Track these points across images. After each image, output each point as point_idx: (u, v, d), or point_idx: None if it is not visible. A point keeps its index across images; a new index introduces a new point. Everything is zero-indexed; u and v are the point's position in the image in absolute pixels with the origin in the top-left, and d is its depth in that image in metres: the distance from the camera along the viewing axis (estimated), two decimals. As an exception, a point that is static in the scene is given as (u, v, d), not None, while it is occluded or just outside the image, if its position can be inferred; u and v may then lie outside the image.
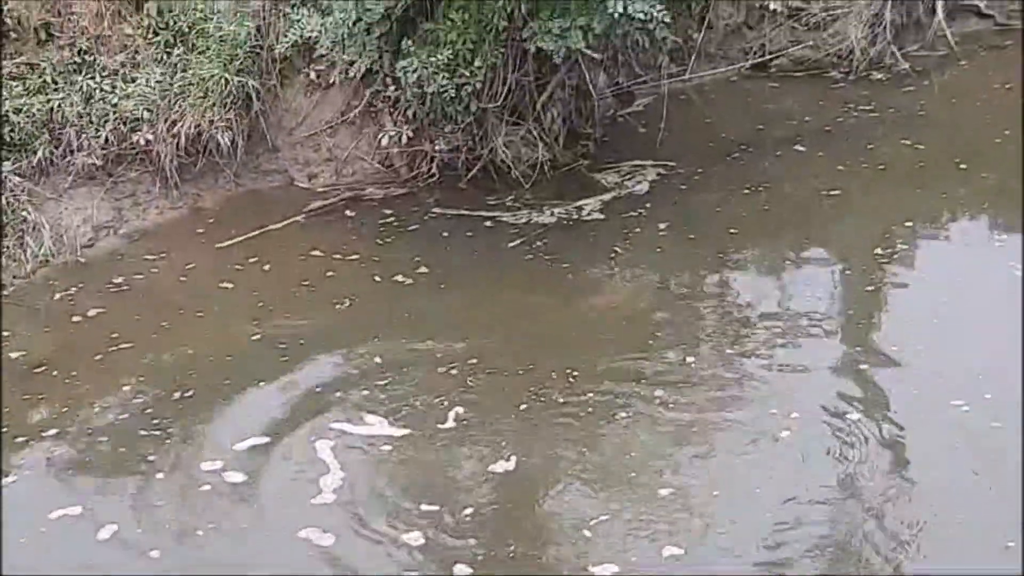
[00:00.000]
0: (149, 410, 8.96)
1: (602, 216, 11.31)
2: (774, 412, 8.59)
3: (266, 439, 8.61)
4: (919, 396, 8.63)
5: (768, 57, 13.94)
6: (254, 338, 9.72)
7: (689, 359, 9.21)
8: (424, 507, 7.93)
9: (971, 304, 9.60)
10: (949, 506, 7.63)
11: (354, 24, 11.17)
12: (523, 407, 8.76)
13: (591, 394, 8.85)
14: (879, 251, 10.43)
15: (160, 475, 8.33)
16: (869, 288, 9.99)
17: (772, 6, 13.88)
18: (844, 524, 7.62)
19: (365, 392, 9.05)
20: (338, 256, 10.83)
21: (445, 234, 11.15)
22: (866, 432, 8.33)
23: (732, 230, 10.92)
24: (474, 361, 9.27)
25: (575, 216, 11.33)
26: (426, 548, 7.62)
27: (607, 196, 11.62)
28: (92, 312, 10.22)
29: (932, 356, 9.02)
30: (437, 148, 11.80)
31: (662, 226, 11.07)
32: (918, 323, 9.45)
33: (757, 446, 8.31)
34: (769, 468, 8.10)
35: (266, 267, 10.71)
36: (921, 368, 8.93)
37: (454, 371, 9.19)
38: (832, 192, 11.41)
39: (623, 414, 8.65)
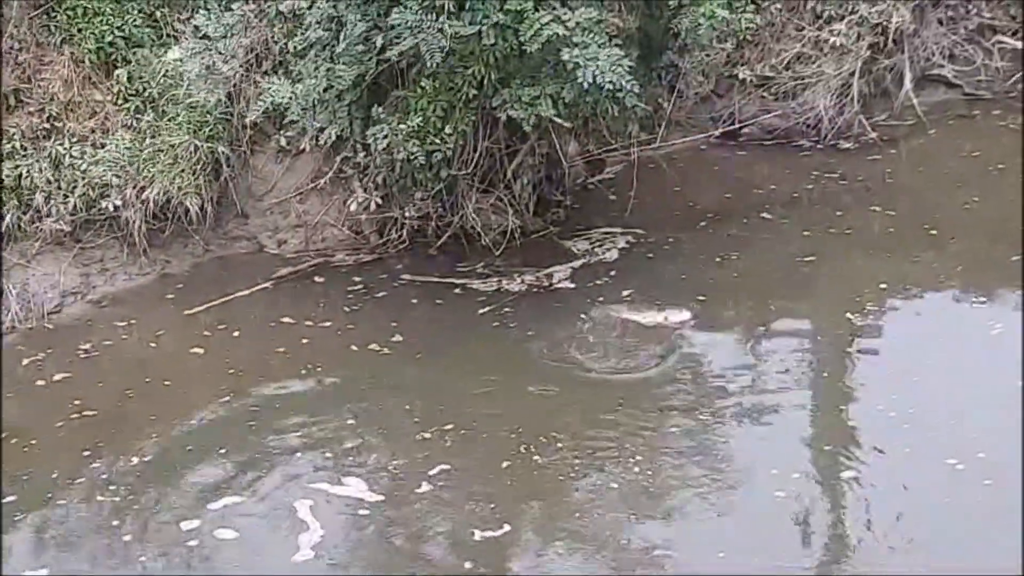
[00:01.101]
0: (104, 475, 9.13)
1: (572, 284, 11.49)
2: (759, 475, 8.89)
3: (239, 499, 8.81)
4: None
5: (738, 126, 14.19)
6: (223, 403, 9.87)
7: (661, 425, 9.45)
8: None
9: (954, 364, 9.96)
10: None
11: (324, 91, 11.35)
12: (504, 468, 9.03)
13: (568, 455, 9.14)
14: (851, 316, 10.67)
15: (127, 538, 8.50)
16: (845, 352, 10.25)
17: (741, 75, 14.14)
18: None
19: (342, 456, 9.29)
20: (309, 323, 11.00)
21: (415, 301, 11.32)
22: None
23: (700, 297, 11.12)
24: (450, 427, 9.50)
25: (545, 283, 11.52)
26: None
27: (577, 263, 11.81)
28: (58, 377, 10.35)
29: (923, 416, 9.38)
30: (407, 215, 11.95)
31: (628, 293, 11.26)
32: (897, 387, 9.74)
33: (739, 509, 8.61)
34: (758, 530, 8.37)
35: (235, 334, 10.86)
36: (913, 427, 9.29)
37: (429, 435, 9.40)
38: (802, 259, 11.65)
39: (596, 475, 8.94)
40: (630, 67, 10.51)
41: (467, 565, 8.22)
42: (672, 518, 8.63)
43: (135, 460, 9.31)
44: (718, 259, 11.76)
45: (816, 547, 8.35)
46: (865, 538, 8.34)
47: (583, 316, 10.99)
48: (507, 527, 8.49)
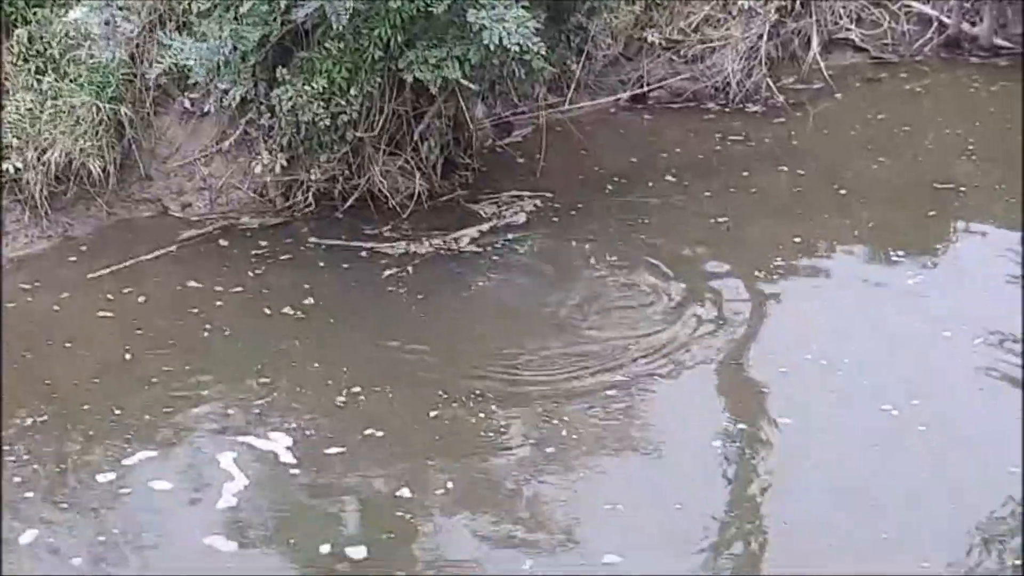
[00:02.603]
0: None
1: (479, 246, 11.77)
2: (682, 430, 9.28)
3: (153, 453, 9.06)
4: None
5: (646, 89, 14.49)
6: (130, 364, 10.05)
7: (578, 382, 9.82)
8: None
9: (877, 314, 10.52)
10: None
11: (229, 52, 11.50)
12: (419, 427, 9.34)
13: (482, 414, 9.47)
14: (769, 271, 11.16)
15: (29, 495, 8.68)
16: (766, 305, 10.74)
17: (650, 38, 14.43)
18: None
19: (259, 413, 9.53)
20: (218, 287, 11.14)
21: (322, 264, 11.50)
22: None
23: (612, 258, 11.45)
24: (366, 388, 9.76)
25: (453, 247, 11.75)
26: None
27: (485, 226, 12.06)
28: (-44, 341, 10.47)
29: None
30: (313, 177, 12.11)
31: (540, 255, 11.58)
32: (824, 337, 10.23)
33: (666, 460, 8.99)
34: (687, 482, 8.75)
35: (141, 298, 10.99)
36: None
37: (344, 396, 9.67)
38: (714, 219, 12.03)
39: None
40: (537, 29, 10.76)
41: (384, 523, 8.51)
42: (585, 470, 8.95)
43: (34, 420, 9.40)
44: (630, 222, 12.07)
45: (750, 494, 8.74)
46: (807, 484, 8.72)
47: (490, 277, 11.29)
48: (418, 485, 8.74)
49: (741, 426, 9.32)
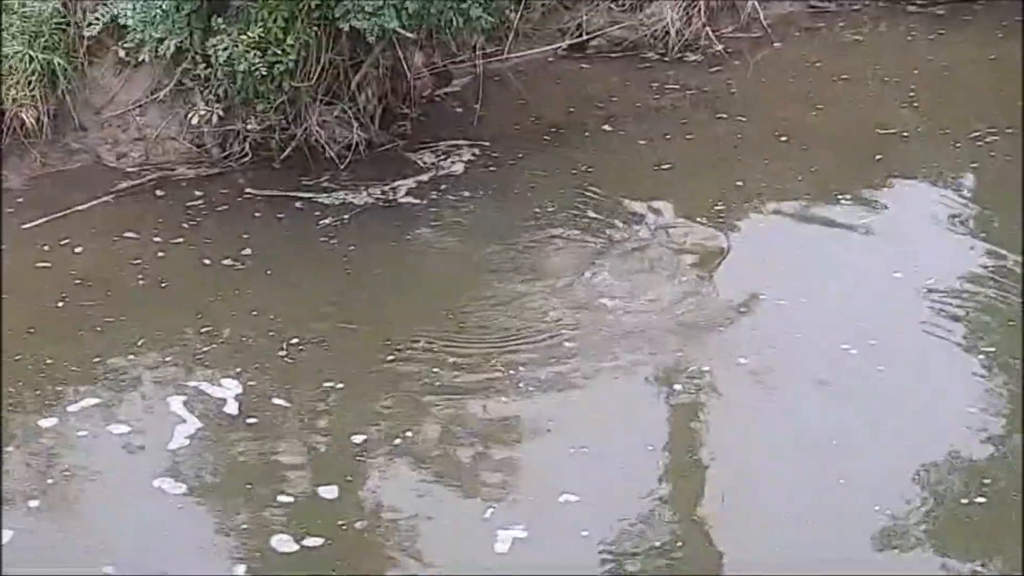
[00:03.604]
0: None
1: (418, 196, 11.93)
2: (632, 370, 9.61)
3: (98, 400, 9.26)
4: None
5: (585, 38, 14.63)
6: (67, 312, 10.21)
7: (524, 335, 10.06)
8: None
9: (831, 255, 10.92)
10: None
11: (166, 3, 11.59)
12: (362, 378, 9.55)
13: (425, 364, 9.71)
14: (717, 217, 11.43)
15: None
16: (719, 250, 11.02)
17: (589, -14, 14.61)
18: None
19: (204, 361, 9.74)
20: (157, 238, 11.26)
21: (258, 215, 11.64)
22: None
23: (550, 208, 11.67)
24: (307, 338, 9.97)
25: (391, 197, 11.92)
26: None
27: (424, 176, 12.22)
28: None
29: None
30: (249, 128, 12.23)
31: (477, 204, 11.78)
32: (780, 279, 10.56)
33: (623, 404, 9.30)
34: (646, 423, 9.08)
35: (78, 249, 11.10)
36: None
37: (285, 349, 9.88)
38: (657, 167, 12.26)
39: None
40: (475, -23, 10.94)
41: (341, 469, 8.76)
42: (538, 411, 9.26)
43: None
44: (569, 171, 12.25)
45: (709, 437, 9.05)
46: (767, 426, 9.04)
47: (429, 226, 11.49)
48: (364, 436, 8.97)
49: (700, 367, 9.58)
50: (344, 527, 8.22)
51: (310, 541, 8.09)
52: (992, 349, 9.57)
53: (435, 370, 9.61)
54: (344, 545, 8.12)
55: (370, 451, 8.83)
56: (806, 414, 9.05)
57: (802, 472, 8.52)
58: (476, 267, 10.93)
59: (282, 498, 8.43)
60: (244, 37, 11.40)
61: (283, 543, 8.09)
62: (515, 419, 9.14)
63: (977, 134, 12.48)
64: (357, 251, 11.11)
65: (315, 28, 11.61)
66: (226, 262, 10.94)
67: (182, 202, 11.84)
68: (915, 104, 13.30)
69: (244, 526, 8.29)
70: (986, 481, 8.36)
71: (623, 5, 14.66)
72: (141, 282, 10.68)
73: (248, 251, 11.09)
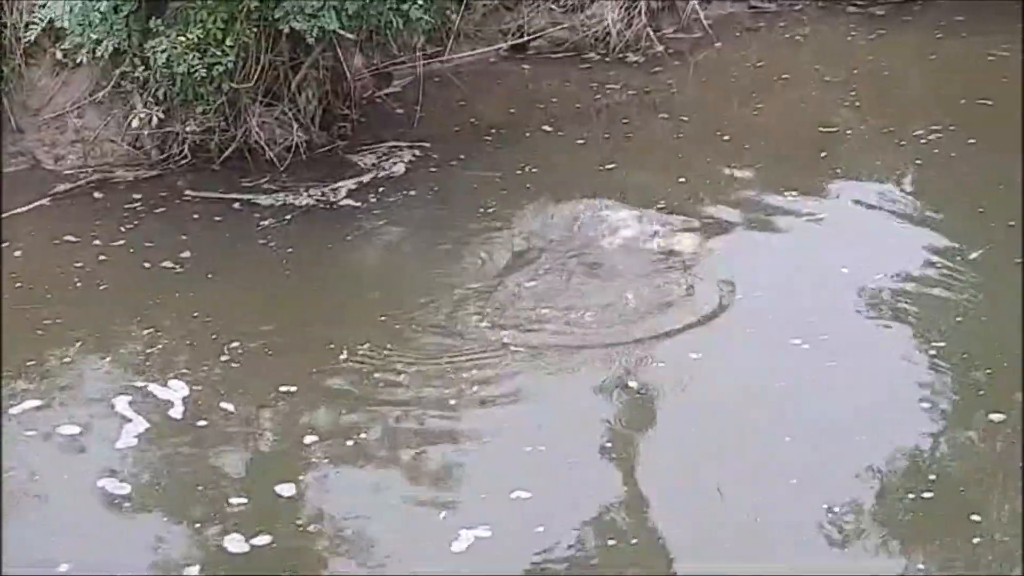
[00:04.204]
0: None
1: (358, 197, 11.98)
2: (580, 371, 9.66)
3: (41, 401, 9.25)
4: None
5: (526, 39, 14.75)
6: (10, 317, 10.14)
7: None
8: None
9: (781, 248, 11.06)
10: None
11: (103, 6, 11.59)
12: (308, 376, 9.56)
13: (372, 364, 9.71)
14: (664, 212, 11.45)
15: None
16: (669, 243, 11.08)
17: (530, -13, 14.72)
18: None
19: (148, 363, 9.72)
20: (97, 241, 11.25)
21: (196, 217, 11.67)
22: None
23: (492, 207, 11.74)
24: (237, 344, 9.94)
25: (331, 198, 11.97)
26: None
27: (364, 177, 12.28)
28: None
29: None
30: (188, 130, 12.26)
31: (419, 205, 11.86)
32: (731, 271, 10.64)
33: (575, 404, 9.31)
34: (597, 422, 9.07)
35: (17, 252, 11.09)
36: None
37: (227, 351, 9.84)
38: (600, 167, 12.36)
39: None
40: (415, -23, 11.02)
41: (289, 470, 8.73)
42: (489, 412, 9.26)
43: None
44: (510, 172, 12.34)
45: (664, 433, 9.06)
46: (720, 422, 9.01)
47: (368, 228, 11.52)
48: (314, 437, 8.94)
49: (647, 366, 9.61)
50: (299, 527, 8.20)
51: (260, 540, 8.09)
52: (941, 344, 9.64)
53: (381, 371, 9.62)
54: (296, 545, 8.12)
55: (321, 452, 8.81)
56: (756, 410, 9.11)
57: (751, 469, 8.59)
58: (418, 267, 10.97)
59: (234, 499, 8.41)
60: (183, 39, 11.45)
61: (234, 543, 8.08)
62: (463, 419, 9.17)
63: (919, 132, 12.65)
64: (297, 253, 11.13)
65: (254, 29, 11.67)
66: (166, 264, 10.95)
67: (121, 204, 11.86)
68: (857, 103, 13.49)
69: (196, 525, 8.28)
70: (932, 477, 8.46)
71: (564, 6, 14.83)
72: (80, 285, 10.68)
73: (188, 253, 11.10)
